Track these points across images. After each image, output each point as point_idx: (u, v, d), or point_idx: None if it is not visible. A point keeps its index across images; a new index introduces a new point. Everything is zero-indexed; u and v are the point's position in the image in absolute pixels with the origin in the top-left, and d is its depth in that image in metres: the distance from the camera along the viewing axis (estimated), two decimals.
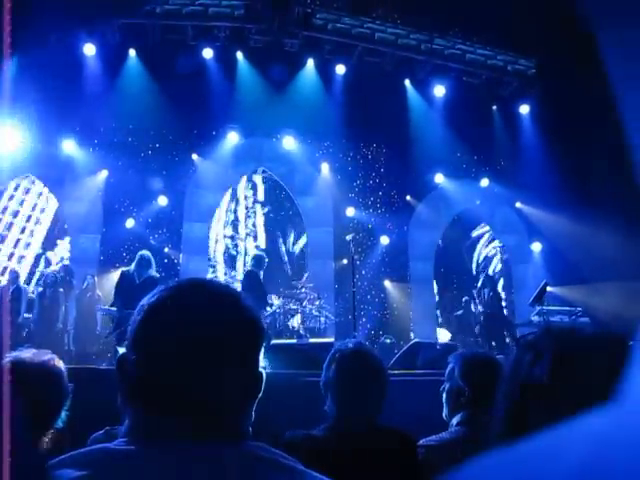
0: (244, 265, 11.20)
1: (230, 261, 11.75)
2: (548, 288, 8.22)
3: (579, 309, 7.97)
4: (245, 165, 11.30)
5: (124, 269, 6.49)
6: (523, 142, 11.61)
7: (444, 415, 2.13)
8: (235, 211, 11.97)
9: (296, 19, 9.97)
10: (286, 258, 11.79)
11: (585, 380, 0.80)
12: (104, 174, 10.15)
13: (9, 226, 11.07)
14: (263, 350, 0.95)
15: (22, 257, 11.10)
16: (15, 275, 8.53)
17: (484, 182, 11.69)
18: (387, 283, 11.41)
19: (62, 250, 10.92)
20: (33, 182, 11.00)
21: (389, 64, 10.92)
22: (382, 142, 11.55)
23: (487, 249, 13.00)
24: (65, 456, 0.74)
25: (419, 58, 10.94)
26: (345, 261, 10.39)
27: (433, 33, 10.81)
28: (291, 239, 11.95)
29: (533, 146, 11.28)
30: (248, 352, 0.85)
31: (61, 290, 8.26)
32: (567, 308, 8.10)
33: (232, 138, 10.74)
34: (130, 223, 10.21)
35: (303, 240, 11.75)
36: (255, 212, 12.02)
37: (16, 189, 11.12)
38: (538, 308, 7.76)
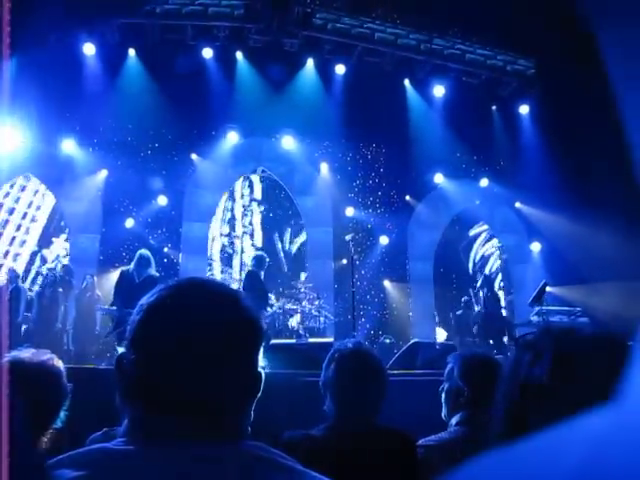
0: (241, 263, 11.19)
1: (226, 259, 11.75)
2: (547, 288, 8.22)
3: (578, 309, 7.95)
4: (244, 165, 11.30)
5: (123, 268, 6.50)
6: (522, 142, 11.61)
7: (443, 415, 2.12)
8: (232, 209, 11.97)
9: (296, 19, 9.97)
10: (282, 255, 11.78)
11: (585, 380, 0.80)
12: (104, 174, 10.15)
13: (5, 223, 11.05)
14: (262, 350, 0.95)
15: (17, 255, 11.08)
16: (14, 274, 8.52)
17: (484, 182, 11.69)
18: (386, 283, 11.42)
19: (58, 248, 10.90)
20: (29, 178, 10.96)
21: (389, 64, 10.92)
22: (382, 142, 11.55)
23: (484, 248, 13.00)
24: (64, 456, 0.74)
25: (419, 58, 10.94)
26: (344, 261, 10.38)
27: (432, 33, 10.82)
28: (287, 237, 11.95)
29: (532, 146, 11.28)
30: (247, 352, 0.85)
31: (60, 290, 8.25)
32: (566, 308, 8.09)
33: (231, 138, 10.73)
34: (130, 223, 10.22)
35: (300, 239, 11.74)
36: (252, 210, 12.02)
37: (12, 186, 11.10)
38: (537, 308, 7.75)
